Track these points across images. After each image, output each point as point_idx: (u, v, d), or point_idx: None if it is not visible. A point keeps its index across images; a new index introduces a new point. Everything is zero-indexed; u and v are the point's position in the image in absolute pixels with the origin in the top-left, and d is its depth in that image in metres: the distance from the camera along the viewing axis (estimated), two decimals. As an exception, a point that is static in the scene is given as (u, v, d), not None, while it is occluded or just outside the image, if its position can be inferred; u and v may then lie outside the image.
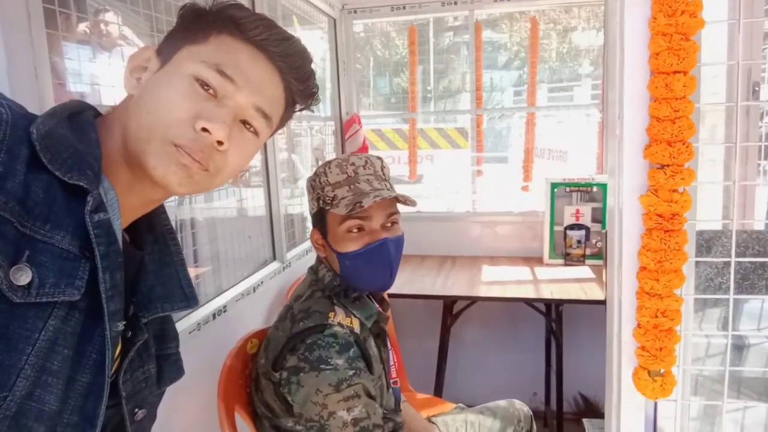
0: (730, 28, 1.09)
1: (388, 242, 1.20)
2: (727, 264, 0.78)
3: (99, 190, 0.59)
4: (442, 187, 3.35)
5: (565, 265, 2.60)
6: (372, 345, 1.24)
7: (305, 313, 1.18)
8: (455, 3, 2.65)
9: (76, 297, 0.55)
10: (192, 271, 1.68)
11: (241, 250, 1.97)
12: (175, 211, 1.64)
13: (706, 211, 0.82)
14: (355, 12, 2.76)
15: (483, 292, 2.34)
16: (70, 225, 0.56)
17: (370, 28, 2.93)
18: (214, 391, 1.26)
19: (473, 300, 2.37)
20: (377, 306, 1.30)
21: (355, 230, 1.19)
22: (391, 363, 1.36)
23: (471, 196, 2.93)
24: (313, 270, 1.29)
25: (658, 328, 0.70)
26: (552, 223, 2.60)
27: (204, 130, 0.63)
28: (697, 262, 0.82)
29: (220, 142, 0.64)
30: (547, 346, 2.74)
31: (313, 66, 0.74)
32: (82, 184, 0.57)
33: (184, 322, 1.43)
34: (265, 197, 2.10)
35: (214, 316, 1.54)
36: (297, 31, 2.64)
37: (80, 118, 0.65)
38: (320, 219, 1.25)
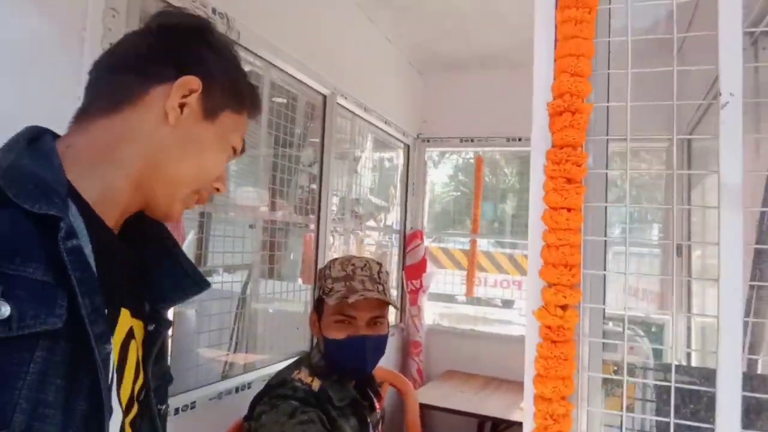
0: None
1: (366, 339, 1.37)
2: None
3: (69, 217, 0.59)
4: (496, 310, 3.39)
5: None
6: (348, 423, 1.35)
7: (276, 377, 1.39)
8: (519, 140, 2.87)
9: (58, 325, 0.55)
10: (240, 355, 1.88)
11: (283, 338, 2.16)
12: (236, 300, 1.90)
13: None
14: (428, 141, 3.08)
15: (519, 416, 2.29)
16: (42, 255, 0.55)
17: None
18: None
19: (509, 424, 2.32)
20: (356, 393, 1.40)
21: (342, 321, 1.37)
22: None
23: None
24: (307, 352, 1.49)
25: (548, 430, 0.79)
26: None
27: (217, 189, 0.77)
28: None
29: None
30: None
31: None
32: (52, 212, 0.56)
33: (204, 390, 1.64)
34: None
35: (237, 389, 1.71)
36: (373, 153, 2.99)
37: (40, 145, 0.65)
38: (319, 304, 1.44)
